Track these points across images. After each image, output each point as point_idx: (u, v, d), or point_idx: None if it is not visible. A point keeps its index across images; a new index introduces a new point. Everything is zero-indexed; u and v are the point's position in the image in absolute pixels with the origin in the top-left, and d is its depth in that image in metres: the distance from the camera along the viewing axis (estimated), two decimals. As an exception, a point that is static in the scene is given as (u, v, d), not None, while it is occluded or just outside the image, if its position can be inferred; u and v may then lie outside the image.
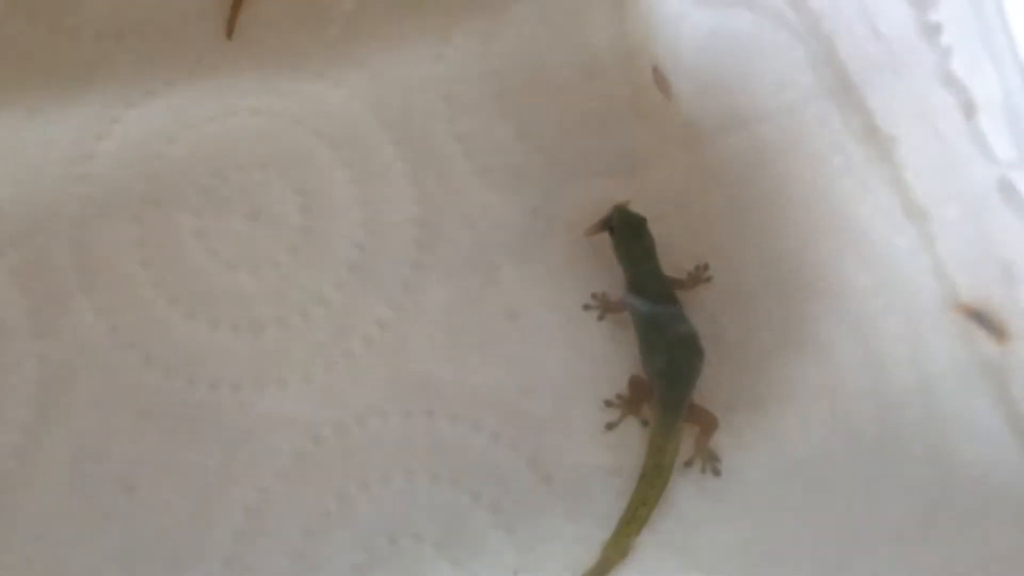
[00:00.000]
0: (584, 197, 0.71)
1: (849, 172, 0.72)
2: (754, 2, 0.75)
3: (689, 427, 0.66)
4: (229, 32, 0.75)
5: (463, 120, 0.73)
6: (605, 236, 0.69)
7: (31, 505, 0.64)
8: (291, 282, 0.69)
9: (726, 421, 0.66)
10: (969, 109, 0.72)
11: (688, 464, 0.65)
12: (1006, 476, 0.65)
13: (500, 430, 0.66)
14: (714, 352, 0.67)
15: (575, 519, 0.64)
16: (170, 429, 0.65)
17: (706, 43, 0.74)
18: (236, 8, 0.75)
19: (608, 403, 0.67)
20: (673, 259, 0.69)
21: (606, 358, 0.68)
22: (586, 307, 0.69)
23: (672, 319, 0.67)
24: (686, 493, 0.65)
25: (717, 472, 0.65)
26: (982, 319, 0.68)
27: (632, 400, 0.66)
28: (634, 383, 0.67)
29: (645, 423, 0.66)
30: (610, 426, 0.66)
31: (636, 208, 0.69)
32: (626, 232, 0.69)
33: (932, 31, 0.74)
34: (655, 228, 0.69)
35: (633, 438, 0.66)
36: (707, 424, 0.66)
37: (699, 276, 0.69)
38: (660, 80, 0.74)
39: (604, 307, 0.68)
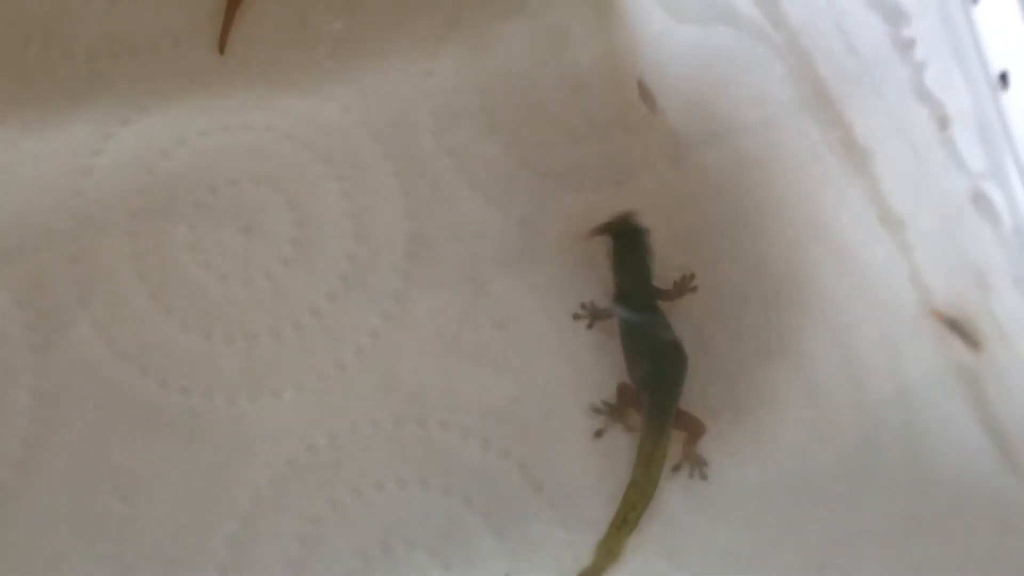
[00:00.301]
0: (572, 209, 0.70)
1: (827, 183, 0.72)
2: (735, 19, 0.75)
3: (677, 433, 0.65)
4: (221, 49, 0.75)
5: (453, 134, 0.73)
6: (594, 246, 0.69)
7: (28, 513, 0.63)
8: (284, 293, 0.69)
9: (712, 428, 0.66)
10: (942, 122, 0.72)
11: (676, 469, 0.65)
12: (983, 479, 0.66)
13: (491, 437, 0.65)
14: (700, 360, 0.67)
15: (566, 525, 0.64)
16: (165, 438, 0.65)
17: (689, 59, 0.74)
18: (228, 25, 0.75)
19: (595, 409, 0.66)
20: (659, 268, 0.69)
21: (595, 366, 0.67)
22: (575, 316, 0.68)
23: (656, 327, 0.67)
24: (674, 498, 0.65)
25: (704, 476, 0.65)
26: (957, 327, 0.68)
27: (618, 407, 0.66)
28: (622, 390, 0.66)
29: (631, 430, 0.66)
30: (598, 434, 0.66)
31: (621, 220, 0.69)
32: (626, 240, 0.68)
33: (906, 46, 0.74)
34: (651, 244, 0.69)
35: (622, 444, 0.65)
36: (695, 430, 0.66)
37: (685, 286, 0.69)
38: (645, 94, 0.74)
39: (593, 316, 0.68)
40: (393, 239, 0.70)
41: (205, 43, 0.75)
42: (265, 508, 0.64)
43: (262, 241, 0.70)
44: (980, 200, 0.71)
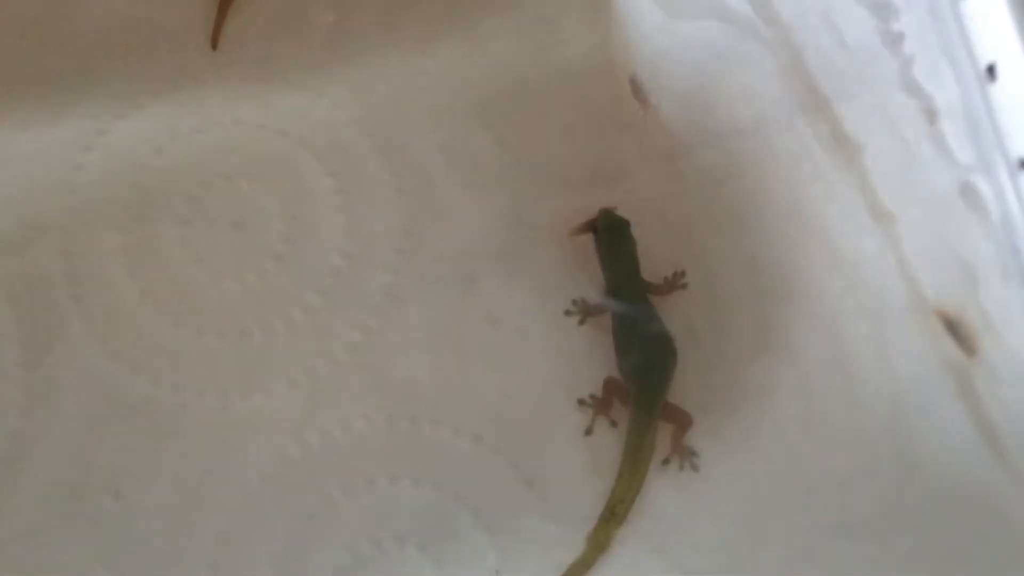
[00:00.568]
0: (564, 205, 0.70)
1: (818, 177, 0.71)
2: (726, 15, 0.75)
3: (664, 426, 0.65)
4: (214, 44, 0.73)
5: (445, 131, 0.72)
6: (585, 243, 0.68)
7: (19, 510, 0.62)
8: (276, 289, 0.68)
9: (703, 421, 0.65)
10: (931, 115, 0.72)
11: (666, 462, 0.64)
12: (970, 471, 0.65)
13: (482, 433, 0.65)
14: (691, 354, 0.66)
15: (556, 520, 0.63)
16: (157, 434, 0.64)
17: (681, 55, 0.74)
18: (221, 21, 0.74)
19: (581, 402, 0.66)
20: (651, 264, 0.68)
21: (586, 362, 0.66)
22: (567, 312, 0.67)
23: (646, 320, 0.66)
24: (665, 492, 0.64)
25: (695, 467, 0.64)
26: (954, 329, 0.67)
27: (604, 400, 0.65)
28: (608, 384, 0.66)
29: (613, 424, 0.65)
30: (588, 431, 0.65)
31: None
32: (610, 234, 0.68)
33: (895, 41, 0.73)
34: (634, 234, 0.68)
35: (612, 439, 0.64)
36: (682, 422, 0.65)
37: (675, 282, 0.68)
38: (637, 91, 0.73)
39: (584, 312, 0.67)
40: (385, 235, 0.69)
41: (198, 39, 0.73)
42: (256, 504, 0.63)
43: (254, 238, 0.69)
44: (968, 193, 0.70)
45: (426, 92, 0.73)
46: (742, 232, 0.70)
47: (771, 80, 0.73)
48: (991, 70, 0.69)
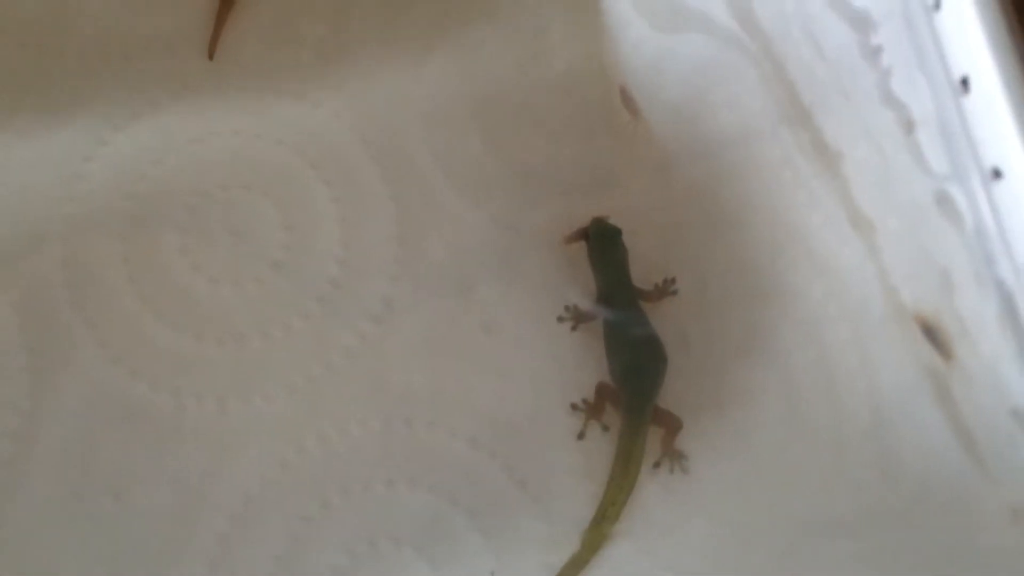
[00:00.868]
0: (557, 213, 0.70)
1: (800, 187, 0.71)
2: (711, 28, 0.74)
3: (655, 429, 0.65)
4: (211, 54, 0.73)
5: (440, 139, 0.72)
6: (578, 251, 0.68)
7: (21, 512, 0.62)
8: (274, 296, 0.67)
9: (693, 424, 0.65)
10: (908, 126, 0.71)
11: (656, 466, 0.64)
12: (947, 473, 0.65)
13: (476, 437, 0.65)
14: (681, 359, 0.66)
15: (549, 521, 0.63)
16: (157, 438, 0.63)
17: (668, 66, 0.73)
18: (218, 31, 0.73)
19: (574, 406, 0.65)
20: (641, 271, 0.68)
21: (578, 367, 0.67)
22: (560, 319, 0.67)
23: (637, 326, 0.66)
24: (655, 496, 0.64)
25: (685, 469, 0.64)
26: (932, 335, 0.67)
27: (596, 405, 0.65)
28: (600, 389, 0.66)
29: (605, 428, 0.65)
30: (581, 436, 0.65)
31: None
32: (601, 241, 0.68)
33: (873, 53, 0.73)
34: (625, 241, 0.68)
35: (605, 443, 0.65)
36: (671, 425, 0.65)
37: (665, 289, 0.68)
38: (627, 100, 0.73)
39: (577, 318, 0.67)
40: (381, 243, 0.69)
41: (196, 50, 0.73)
42: (255, 507, 0.62)
43: (252, 245, 0.69)
44: (943, 201, 0.70)
45: (420, 102, 0.73)
46: (728, 238, 0.70)
47: (755, 91, 0.72)
48: (964, 82, 0.69)
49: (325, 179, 0.70)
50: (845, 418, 0.66)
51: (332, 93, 0.72)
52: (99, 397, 0.64)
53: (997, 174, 0.62)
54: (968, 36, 0.68)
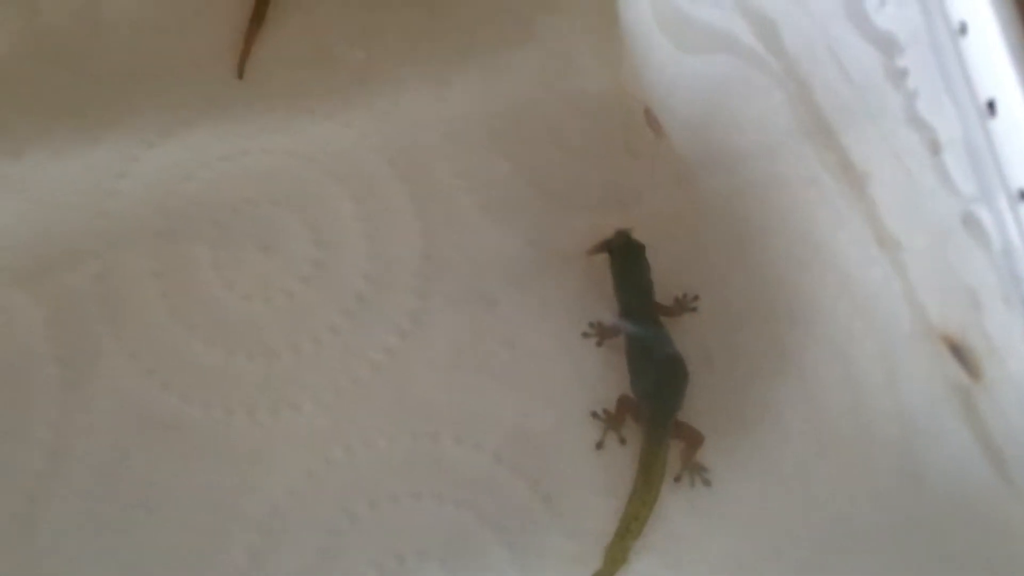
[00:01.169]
0: (579, 230, 0.70)
1: (825, 205, 0.71)
2: (736, 49, 0.75)
3: (676, 443, 0.65)
4: (240, 73, 0.74)
5: (464, 158, 0.73)
6: (600, 266, 0.69)
7: (53, 524, 0.62)
8: (303, 311, 0.68)
9: (716, 440, 0.65)
10: (934, 147, 0.71)
11: (678, 480, 0.64)
12: (974, 490, 0.64)
13: (501, 452, 0.65)
14: (704, 375, 0.66)
15: (573, 536, 0.63)
16: (187, 451, 0.64)
17: (693, 86, 0.74)
18: (247, 51, 0.75)
19: (594, 414, 0.66)
20: (664, 287, 0.69)
21: (601, 382, 0.67)
22: (584, 335, 0.68)
23: (659, 342, 0.67)
24: (678, 510, 0.64)
25: (707, 482, 0.64)
26: (959, 353, 0.66)
27: (616, 417, 0.65)
28: (622, 401, 0.66)
29: (623, 441, 0.65)
30: (599, 445, 0.65)
31: (629, 239, 0.69)
32: (624, 256, 0.68)
33: (899, 76, 0.73)
34: (648, 257, 0.68)
35: (627, 457, 0.65)
36: (692, 439, 0.65)
37: (686, 304, 0.69)
38: (651, 120, 0.73)
39: (601, 334, 0.68)
40: (407, 259, 0.70)
41: (226, 69, 0.74)
42: (284, 519, 0.63)
43: (281, 260, 0.69)
44: (970, 222, 0.69)
45: (446, 122, 0.73)
46: (752, 256, 0.70)
47: (779, 111, 0.73)
48: (991, 105, 0.69)
49: (353, 196, 0.71)
50: (871, 435, 0.66)
51: (360, 113, 0.73)
52: (130, 410, 0.65)
53: (1024, 196, 0.62)
54: (994, 61, 0.68)
